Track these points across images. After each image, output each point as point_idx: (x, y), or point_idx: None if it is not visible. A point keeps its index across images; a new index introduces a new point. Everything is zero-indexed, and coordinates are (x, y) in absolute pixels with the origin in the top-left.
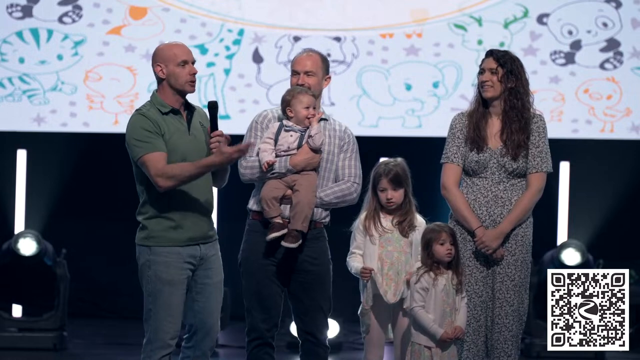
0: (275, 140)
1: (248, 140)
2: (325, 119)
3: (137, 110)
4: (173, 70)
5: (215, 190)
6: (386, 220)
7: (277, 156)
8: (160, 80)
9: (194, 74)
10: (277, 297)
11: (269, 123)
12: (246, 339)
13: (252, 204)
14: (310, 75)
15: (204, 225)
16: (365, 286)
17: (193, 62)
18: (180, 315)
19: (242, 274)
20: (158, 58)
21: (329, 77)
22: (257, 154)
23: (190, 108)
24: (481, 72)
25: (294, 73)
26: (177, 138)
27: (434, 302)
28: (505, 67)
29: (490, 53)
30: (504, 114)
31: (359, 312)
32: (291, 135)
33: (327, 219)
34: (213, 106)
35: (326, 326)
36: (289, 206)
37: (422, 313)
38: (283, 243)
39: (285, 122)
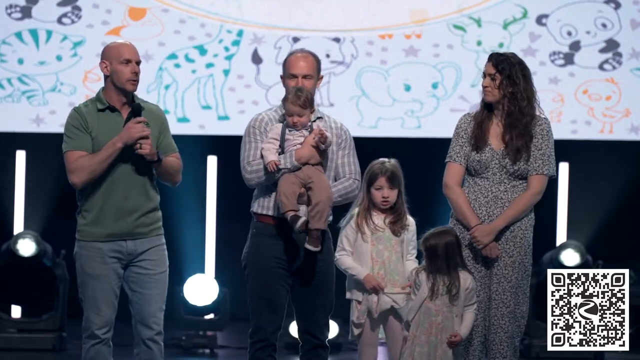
0: (281, 141)
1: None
2: (320, 117)
3: (76, 105)
4: (116, 67)
5: (211, 190)
6: (378, 219)
7: (284, 152)
8: (105, 77)
9: (136, 73)
10: (283, 299)
11: (266, 126)
12: (250, 340)
13: (256, 207)
14: (308, 78)
15: (129, 222)
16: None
17: (138, 63)
18: (108, 308)
19: (247, 276)
20: (104, 55)
21: (322, 77)
22: (261, 157)
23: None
24: (483, 76)
25: (291, 76)
26: (106, 135)
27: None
28: (503, 73)
29: (491, 58)
30: (506, 118)
31: (354, 318)
32: (301, 134)
33: (331, 218)
34: (135, 110)
35: (328, 327)
36: (303, 206)
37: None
38: (307, 246)
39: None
